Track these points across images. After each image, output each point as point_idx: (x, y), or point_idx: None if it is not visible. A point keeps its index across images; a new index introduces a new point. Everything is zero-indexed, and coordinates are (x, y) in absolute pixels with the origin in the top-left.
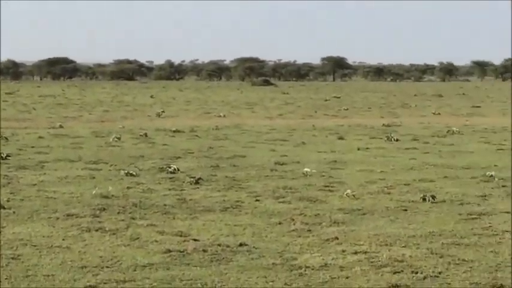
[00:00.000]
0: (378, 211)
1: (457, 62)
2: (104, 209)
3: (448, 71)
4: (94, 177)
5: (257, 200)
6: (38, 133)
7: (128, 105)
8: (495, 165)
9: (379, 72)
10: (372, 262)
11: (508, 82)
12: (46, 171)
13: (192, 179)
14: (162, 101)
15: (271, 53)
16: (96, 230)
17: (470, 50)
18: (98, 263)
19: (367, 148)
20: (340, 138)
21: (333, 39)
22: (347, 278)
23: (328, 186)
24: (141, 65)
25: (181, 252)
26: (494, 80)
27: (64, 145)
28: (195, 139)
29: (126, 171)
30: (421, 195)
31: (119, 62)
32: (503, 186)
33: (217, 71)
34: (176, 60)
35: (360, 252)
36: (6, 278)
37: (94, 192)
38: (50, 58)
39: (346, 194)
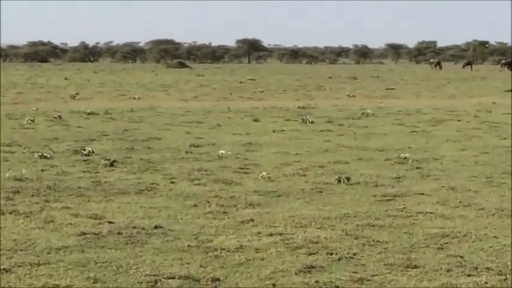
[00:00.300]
0: (293, 193)
1: (372, 45)
2: (18, 192)
3: (363, 54)
4: (7, 160)
5: (172, 183)
6: None
7: (41, 87)
8: (409, 147)
9: (294, 54)
10: (287, 244)
11: (422, 64)
12: None
13: (106, 162)
14: (77, 83)
15: (186, 35)
16: (10, 213)
17: (385, 32)
18: (11, 246)
19: (282, 130)
20: (256, 120)
21: (248, 22)
22: (262, 259)
23: (243, 168)
24: (55, 47)
25: (96, 234)
26: (408, 63)
27: None
28: (110, 121)
29: (40, 154)
30: (336, 177)
31: (32, 44)
32: (417, 167)
33: (132, 53)
34: (90, 42)
35: (275, 234)
36: None
37: (8, 175)
38: None
39: (261, 176)
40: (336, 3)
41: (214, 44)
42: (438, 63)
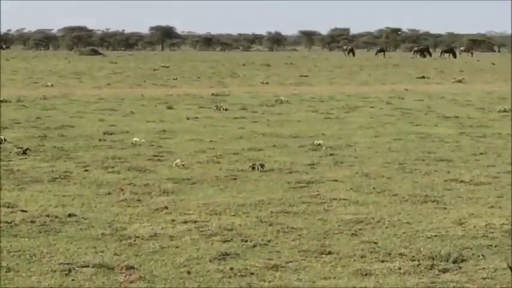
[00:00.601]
0: (208, 180)
1: (285, 32)
2: None
3: (276, 41)
4: None
5: (86, 170)
6: None
7: None
8: (323, 134)
9: (207, 41)
10: (201, 231)
11: (335, 51)
12: None
13: (19, 150)
14: None
15: (99, 22)
16: None
17: (298, 19)
18: None
19: (196, 117)
20: (169, 107)
21: (161, 8)
22: (177, 247)
23: (157, 155)
24: None
25: (9, 223)
26: (321, 50)
27: None
28: (22, 109)
29: None
30: (250, 164)
31: None
32: (330, 154)
33: (44, 40)
34: (2, 30)
35: (190, 221)
36: None
37: None
38: None
39: (175, 164)
40: None
41: (128, 31)
42: (351, 50)
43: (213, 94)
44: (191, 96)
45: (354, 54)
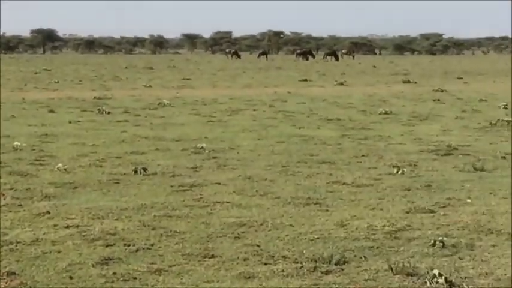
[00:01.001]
0: (90, 184)
1: (167, 35)
2: None
3: (159, 44)
4: None
5: None
6: None
7: None
8: (206, 137)
9: (89, 44)
10: (84, 236)
11: (218, 54)
12: None
13: None
14: None
15: None
16: None
17: (180, 22)
18: None
19: (79, 121)
20: (51, 111)
21: (42, 10)
22: (59, 252)
23: (39, 160)
24: None
25: None
26: (204, 53)
27: None
28: None
29: None
30: (133, 168)
31: None
32: (213, 157)
33: None
34: None
35: (72, 226)
36: None
37: None
38: None
39: (57, 168)
40: None
41: (8, 34)
42: (235, 53)
43: (95, 97)
44: (73, 99)
45: (239, 57)
